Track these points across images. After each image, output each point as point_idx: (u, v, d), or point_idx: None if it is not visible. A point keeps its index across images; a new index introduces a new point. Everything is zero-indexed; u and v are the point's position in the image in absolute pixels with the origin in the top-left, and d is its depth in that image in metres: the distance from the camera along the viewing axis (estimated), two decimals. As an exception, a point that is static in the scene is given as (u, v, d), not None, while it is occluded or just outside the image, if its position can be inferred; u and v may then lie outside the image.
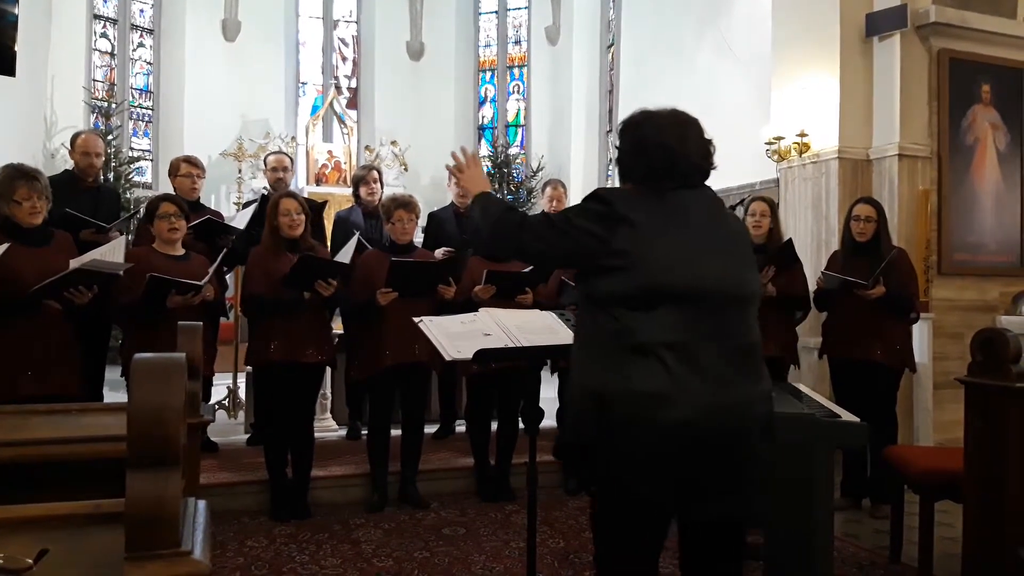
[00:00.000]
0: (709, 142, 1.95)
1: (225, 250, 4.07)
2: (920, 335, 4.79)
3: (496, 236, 2.00)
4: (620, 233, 1.81)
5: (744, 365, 1.84)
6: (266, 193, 5.12)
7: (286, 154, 5.55)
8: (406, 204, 4.08)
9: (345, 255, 3.91)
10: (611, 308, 1.82)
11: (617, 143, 1.99)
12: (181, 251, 3.83)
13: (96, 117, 9.63)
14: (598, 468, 1.83)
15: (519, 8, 12.31)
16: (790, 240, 4.22)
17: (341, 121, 11.09)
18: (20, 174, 3.28)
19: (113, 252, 3.39)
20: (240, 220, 4.64)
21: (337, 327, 4.52)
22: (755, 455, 1.85)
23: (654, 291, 1.78)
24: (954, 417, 4.05)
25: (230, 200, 10.01)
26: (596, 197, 1.90)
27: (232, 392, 5.52)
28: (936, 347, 5.03)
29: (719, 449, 1.78)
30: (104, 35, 10.44)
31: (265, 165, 5.51)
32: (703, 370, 1.77)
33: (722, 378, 1.78)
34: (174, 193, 4.61)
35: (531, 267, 4.22)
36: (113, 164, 9.02)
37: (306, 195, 6.25)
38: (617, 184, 2.06)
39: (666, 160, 1.88)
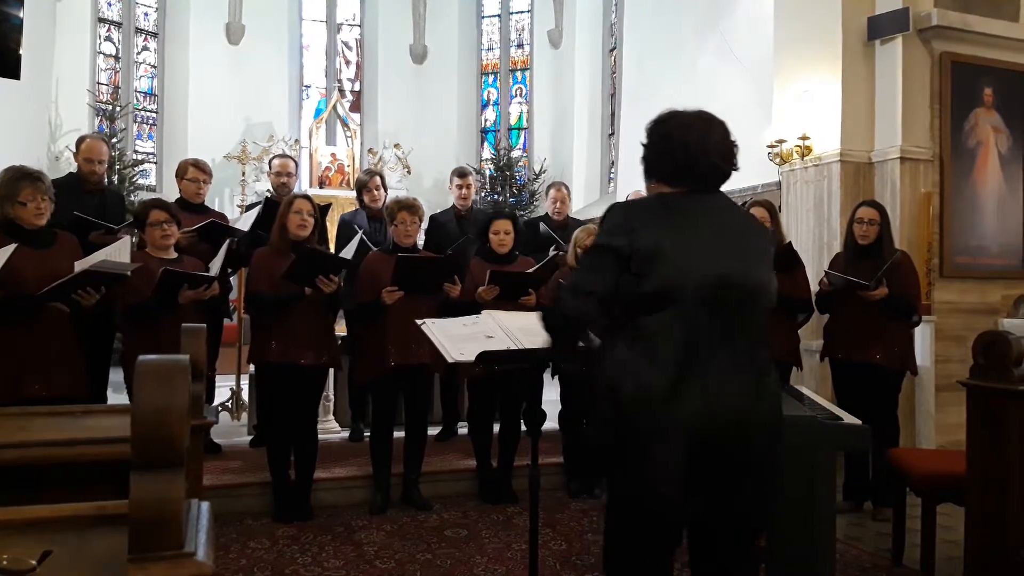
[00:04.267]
0: (733, 143, 2.00)
1: (228, 240, 4.07)
2: (922, 338, 4.79)
3: (549, 327, 2.03)
4: (637, 238, 1.86)
5: (754, 365, 1.89)
6: (269, 196, 5.13)
7: (291, 158, 5.56)
8: (409, 207, 4.09)
9: (348, 252, 3.92)
10: (628, 308, 1.87)
11: (644, 140, 2.04)
12: (174, 255, 3.83)
13: (100, 120, 9.65)
14: (616, 468, 1.87)
15: (522, 11, 12.33)
16: (789, 244, 4.23)
17: (344, 124, 11.11)
18: (24, 175, 3.29)
19: (119, 253, 3.40)
20: (244, 223, 4.65)
21: (340, 329, 4.53)
22: (766, 453, 1.89)
23: (668, 292, 1.82)
24: (956, 420, 4.05)
25: (234, 203, 10.04)
26: (610, 211, 1.97)
27: (235, 394, 5.54)
28: (938, 350, 5.02)
29: (729, 448, 1.82)
30: (108, 38, 10.47)
31: (270, 168, 5.53)
32: (714, 370, 1.82)
33: (733, 379, 1.84)
34: (179, 196, 4.64)
35: (535, 267, 4.23)
36: (117, 167, 9.05)
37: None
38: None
39: (687, 158, 1.93)
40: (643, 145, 2.04)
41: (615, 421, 1.85)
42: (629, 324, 1.86)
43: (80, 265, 3.20)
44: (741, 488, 1.87)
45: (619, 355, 1.87)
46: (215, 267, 3.76)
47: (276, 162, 5.35)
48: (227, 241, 4.02)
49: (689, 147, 1.93)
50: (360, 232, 4.32)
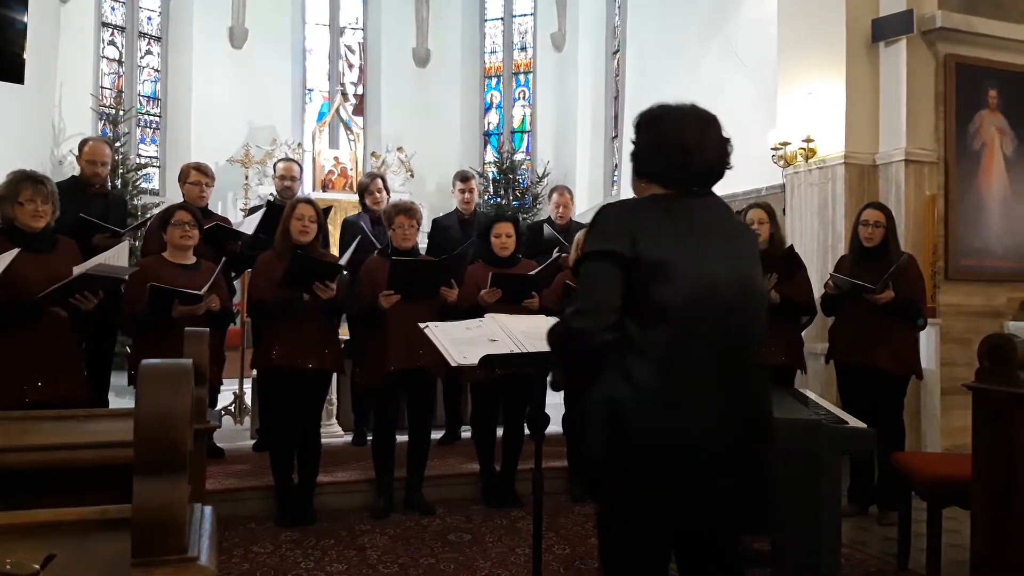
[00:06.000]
0: (727, 142, 1.92)
1: (224, 259, 4.07)
2: (927, 341, 4.77)
3: (560, 355, 2.03)
4: (639, 244, 1.78)
5: (745, 372, 1.84)
6: (272, 199, 5.12)
7: (295, 161, 5.56)
8: (407, 210, 4.09)
9: (343, 257, 3.91)
10: (630, 318, 1.79)
11: (633, 137, 1.95)
12: (192, 259, 3.84)
13: (104, 124, 9.66)
14: (608, 479, 1.81)
15: (525, 14, 12.34)
16: (791, 247, 4.22)
17: (347, 127, 11.12)
18: (25, 177, 3.32)
19: (117, 256, 3.41)
20: (248, 226, 4.66)
21: (344, 333, 4.52)
22: (762, 462, 1.84)
23: (658, 300, 1.76)
24: (962, 423, 4.02)
25: (237, 207, 10.05)
26: (604, 214, 1.88)
27: (238, 398, 5.54)
28: (943, 353, 5.01)
29: (726, 457, 1.77)
30: (112, 43, 10.49)
31: (274, 172, 5.52)
32: (707, 379, 1.77)
33: (725, 386, 1.79)
34: (183, 199, 4.64)
35: (537, 270, 4.21)
36: (120, 171, 9.06)
37: (312, 201, 6.26)
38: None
39: (682, 159, 1.86)
40: (633, 142, 1.95)
41: (608, 431, 1.78)
42: (628, 335, 1.77)
43: (78, 269, 3.20)
44: (740, 501, 1.81)
45: (618, 367, 1.78)
46: (206, 286, 3.74)
47: (280, 165, 5.35)
48: (223, 261, 4.01)
49: (685, 146, 1.85)
50: (359, 238, 4.31)
